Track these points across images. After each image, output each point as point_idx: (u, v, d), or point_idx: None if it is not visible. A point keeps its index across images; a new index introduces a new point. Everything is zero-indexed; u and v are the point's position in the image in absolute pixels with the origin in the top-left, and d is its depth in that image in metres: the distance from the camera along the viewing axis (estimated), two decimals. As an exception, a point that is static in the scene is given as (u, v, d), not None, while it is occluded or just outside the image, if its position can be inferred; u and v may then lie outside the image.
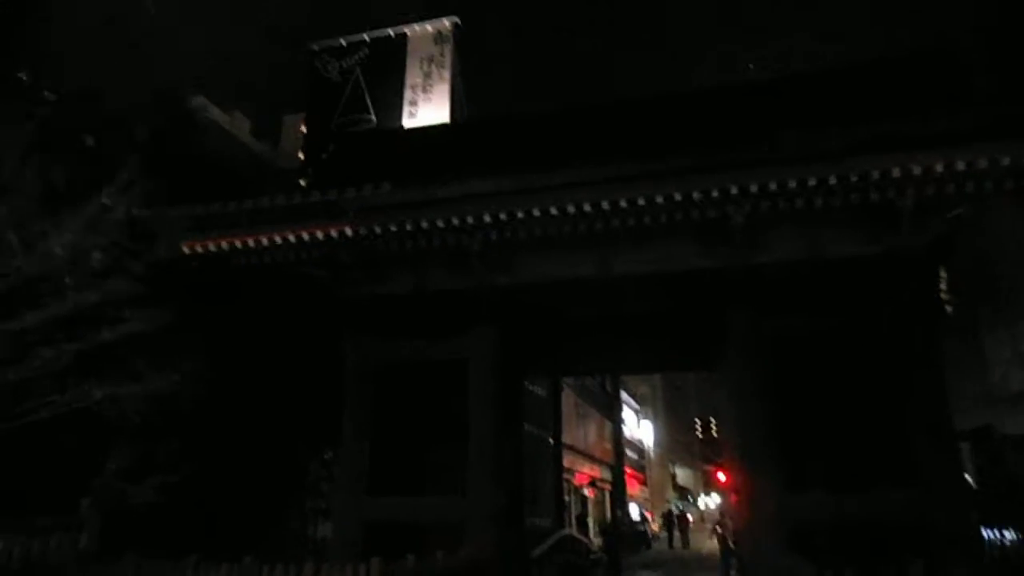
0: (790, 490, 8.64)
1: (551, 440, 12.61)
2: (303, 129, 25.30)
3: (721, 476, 66.61)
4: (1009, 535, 11.45)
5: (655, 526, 34.40)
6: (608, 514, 29.38)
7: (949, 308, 11.86)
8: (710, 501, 68.05)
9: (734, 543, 11.09)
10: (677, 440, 56.75)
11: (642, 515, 35.30)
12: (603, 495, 33.76)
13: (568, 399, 27.95)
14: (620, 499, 34.77)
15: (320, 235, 9.43)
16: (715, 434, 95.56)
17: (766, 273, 9.34)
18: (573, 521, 22.96)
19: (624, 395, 40.41)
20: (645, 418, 46.17)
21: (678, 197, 8.10)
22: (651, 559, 22.00)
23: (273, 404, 12.73)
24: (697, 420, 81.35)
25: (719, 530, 17.78)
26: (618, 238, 9.80)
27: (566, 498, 26.44)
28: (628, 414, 41.54)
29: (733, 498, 11.49)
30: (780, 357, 9.19)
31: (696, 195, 8.03)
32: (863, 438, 8.71)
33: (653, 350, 12.21)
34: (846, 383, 9.02)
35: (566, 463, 25.40)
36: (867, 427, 8.76)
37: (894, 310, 9.09)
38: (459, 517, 9.84)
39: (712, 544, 29.26)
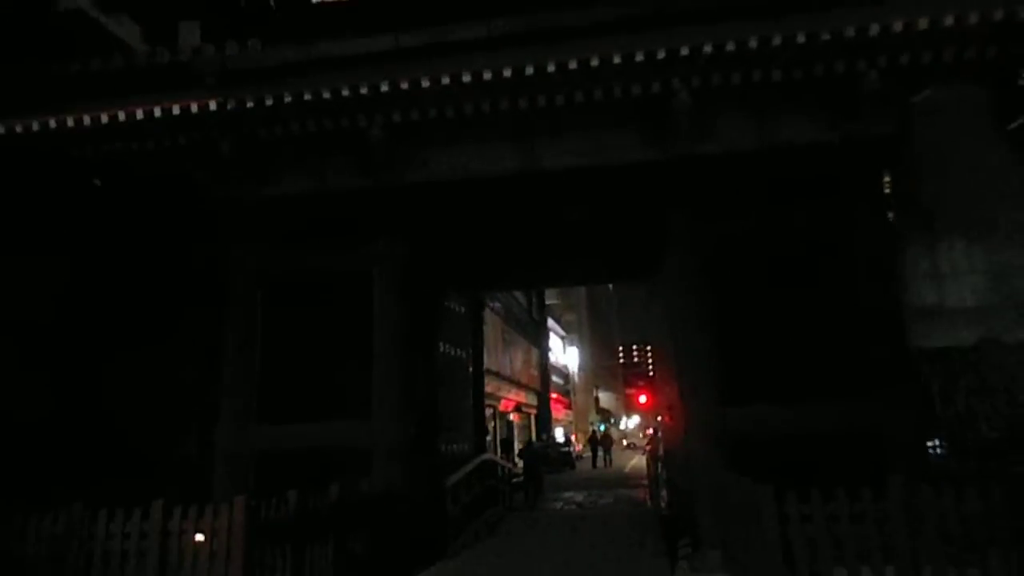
0: (732, 403, 7.60)
1: (471, 361, 11.23)
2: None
3: (642, 398, 68.37)
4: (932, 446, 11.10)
5: (579, 447, 34.46)
6: (533, 438, 28.93)
7: (890, 214, 10.88)
8: (630, 422, 70.34)
9: (663, 462, 10.18)
10: (601, 365, 57.43)
11: (567, 437, 35.28)
12: (529, 419, 33.39)
13: (495, 325, 26.78)
14: (545, 423, 34.53)
15: (177, 110, 7.36)
16: (636, 359, 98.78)
17: (712, 166, 8.02)
18: (498, 446, 22.14)
19: (551, 322, 39.82)
20: (571, 345, 46.01)
21: (617, 60, 6.52)
22: (575, 479, 21.55)
23: (152, 325, 10.70)
24: (620, 347, 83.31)
25: (648, 449, 17.19)
26: (547, 124, 8.24)
27: (491, 424, 25.65)
28: (555, 341, 41.11)
29: (666, 416, 10.51)
30: (723, 262, 8.03)
31: (639, 57, 6.47)
32: (810, 348, 7.70)
33: (586, 260, 10.86)
34: (792, 290, 7.94)
35: (491, 388, 24.41)
36: (814, 336, 7.74)
37: (844, 210, 8.01)
38: (366, 445, 8.41)
39: (636, 463, 29.43)
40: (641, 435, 62.94)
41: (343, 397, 8.78)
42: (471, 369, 11.43)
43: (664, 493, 9.52)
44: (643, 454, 24.91)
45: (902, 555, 4.32)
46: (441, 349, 10.08)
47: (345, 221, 9.01)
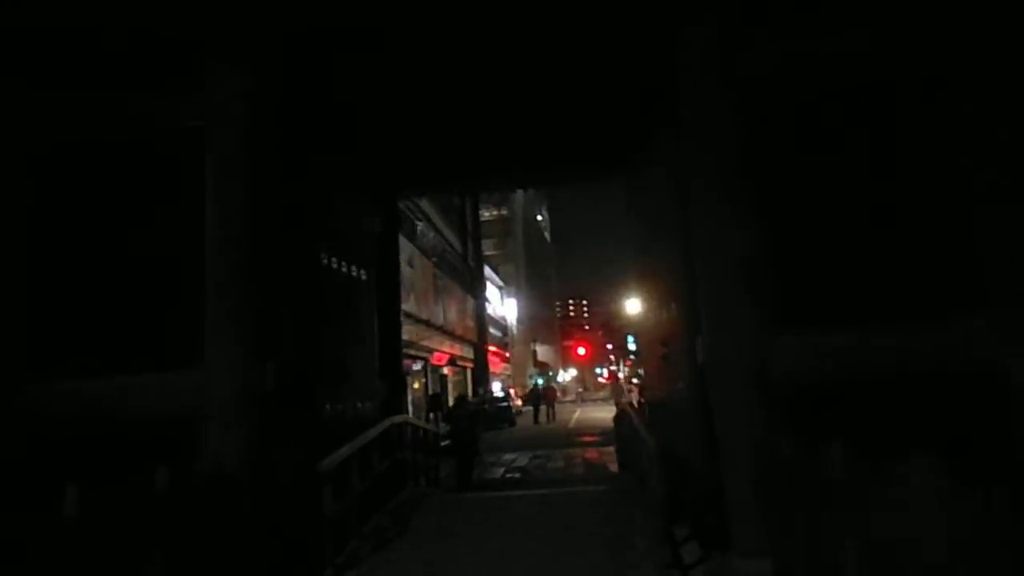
0: (781, 328, 4.60)
1: (376, 286, 7.86)
2: None
3: (580, 350, 66.81)
4: None
5: (518, 402, 31.82)
6: (468, 393, 25.95)
7: None
8: (567, 375, 68.82)
9: (644, 418, 7.21)
10: (538, 318, 54.87)
11: (505, 392, 32.54)
12: (464, 374, 30.35)
13: (425, 269, 23.33)
14: (482, 377, 31.58)
15: None
16: (572, 313, 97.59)
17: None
18: (426, 402, 18.97)
19: (488, 271, 36.58)
20: (509, 296, 43.03)
21: None
22: (517, 437, 18.74)
23: None
24: (558, 301, 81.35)
25: (623, 401, 14.35)
26: None
27: (422, 379, 22.36)
28: (492, 291, 38.02)
29: (652, 359, 7.50)
30: (761, 119, 4.90)
31: None
32: (891, 244, 4.75)
33: (550, 144, 7.49)
34: (869, 158, 4.91)
35: (423, 340, 21.07)
36: (898, 227, 4.78)
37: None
38: (193, 409, 5.00)
39: (580, 416, 26.94)
40: (580, 388, 61.28)
41: (164, 338, 5.28)
42: (377, 297, 8.05)
43: (646, 460, 6.57)
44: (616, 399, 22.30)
45: None
46: (327, 264, 6.65)
47: (156, 48, 5.37)
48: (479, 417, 13.82)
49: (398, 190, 8.83)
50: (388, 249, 8.76)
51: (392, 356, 8.56)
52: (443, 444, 10.56)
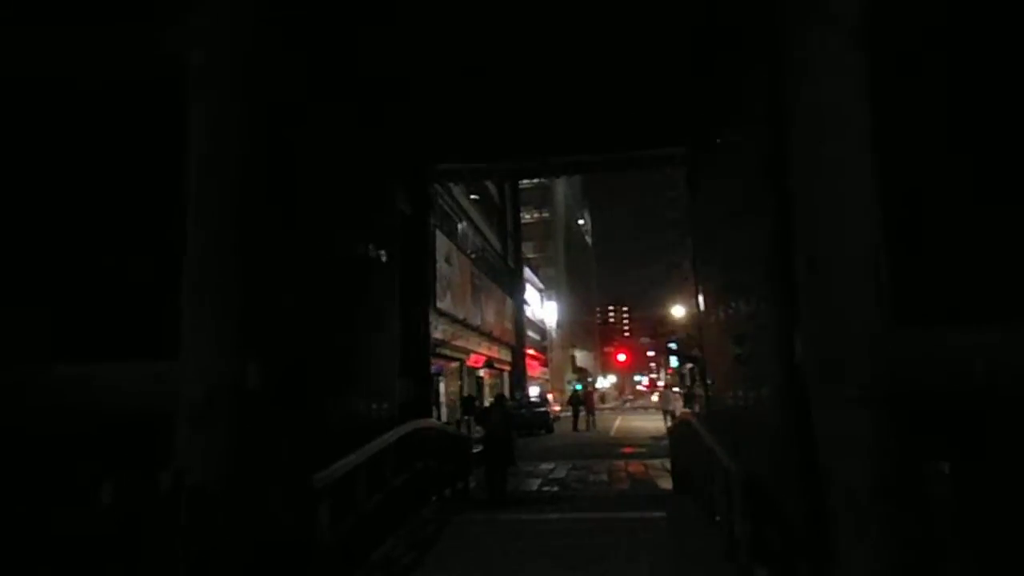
0: (909, 324, 3.40)
1: (399, 271, 6.85)
2: None
3: (621, 356, 65.09)
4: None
5: (556, 407, 30.60)
6: (506, 395, 24.85)
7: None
8: (606, 382, 67.16)
9: (712, 432, 5.98)
10: (578, 323, 53.49)
11: (542, 396, 31.37)
12: (501, 377, 29.32)
13: (463, 268, 22.43)
14: (520, 380, 30.50)
15: None
16: (612, 320, 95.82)
17: None
18: (460, 405, 17.98)
19: (528, 272, 35.51)
20: (549, 299, 41.82)
21: None
22: (555, 445, 17.56)
23: None
24: (598, 308, 79.79)
25: (671, 409, 13.07)
26: None
27: (458, 382, 21.41)
28: (532, 293, 36.90)
29: (719, 364, 6.27)
30: (890, 50, 3.70)
31: None
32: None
33: (602, 104, 6.36)
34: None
35: (448, 337, 20.09)
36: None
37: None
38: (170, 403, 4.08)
39: (625, 424, 25.54)
40: (629, 395, 59.44)
41: (130, 321, 4.36)
42: (402, 286, 7.05)
43: (718, 485, 5.36)
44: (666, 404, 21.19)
45: None
46: (339, 241, 5.67)
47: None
48: (515, 421, 12.68)
49: (427, 165, 7.84)
50: (418, 234, 7.78)
51: (417, 351, 7.57)
52: (476, 451, 9.50)
